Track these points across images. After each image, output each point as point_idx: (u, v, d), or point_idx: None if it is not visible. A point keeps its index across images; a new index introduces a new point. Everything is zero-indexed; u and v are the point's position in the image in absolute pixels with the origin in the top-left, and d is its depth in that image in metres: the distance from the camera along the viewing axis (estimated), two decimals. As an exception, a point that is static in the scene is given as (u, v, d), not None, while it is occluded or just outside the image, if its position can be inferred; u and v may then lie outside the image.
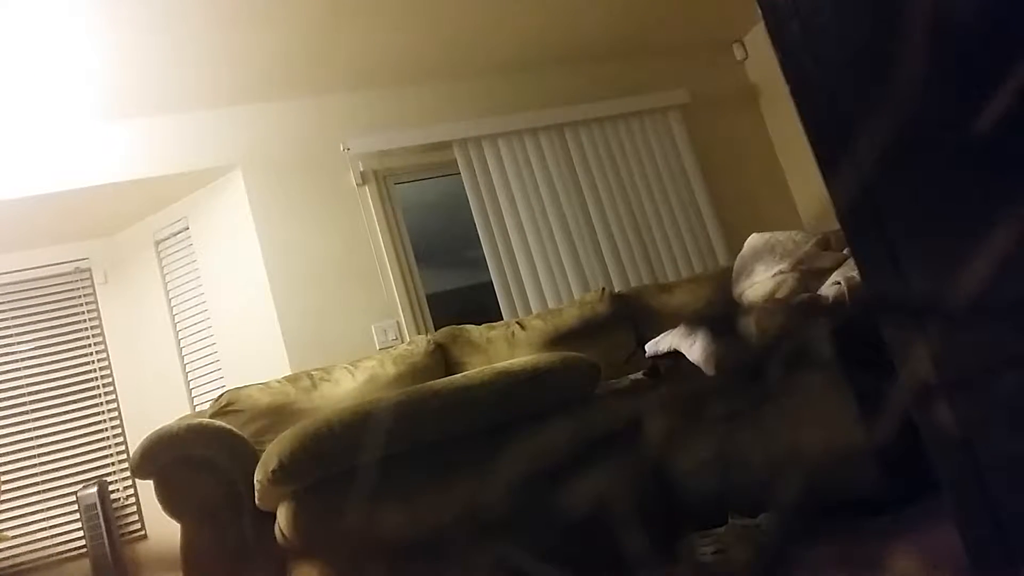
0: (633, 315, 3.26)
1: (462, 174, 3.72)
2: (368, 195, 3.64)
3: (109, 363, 3.67)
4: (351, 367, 2.86)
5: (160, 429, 2.10)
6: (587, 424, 2.12)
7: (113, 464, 3.56)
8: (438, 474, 1.90)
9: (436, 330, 3.29)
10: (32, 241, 3.62)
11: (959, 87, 0.69)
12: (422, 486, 1.88)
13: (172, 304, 3.71)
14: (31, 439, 3.48)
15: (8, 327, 3.58)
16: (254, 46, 3.19)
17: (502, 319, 3.50)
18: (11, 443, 3.46)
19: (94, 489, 3.31)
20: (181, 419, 2.30)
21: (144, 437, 2.09)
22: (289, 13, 3.03)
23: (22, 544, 3.36)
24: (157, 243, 3.75)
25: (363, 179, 3.65)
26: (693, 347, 2.25)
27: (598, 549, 1.95)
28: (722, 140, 4.30)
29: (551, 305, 3.59)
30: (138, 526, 3.53)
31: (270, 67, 3.37)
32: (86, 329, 3.68)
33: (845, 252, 2.58)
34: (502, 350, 3.02)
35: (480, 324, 3.22)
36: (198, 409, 3.44)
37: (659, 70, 4.27)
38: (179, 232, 3.71)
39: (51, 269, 3.68)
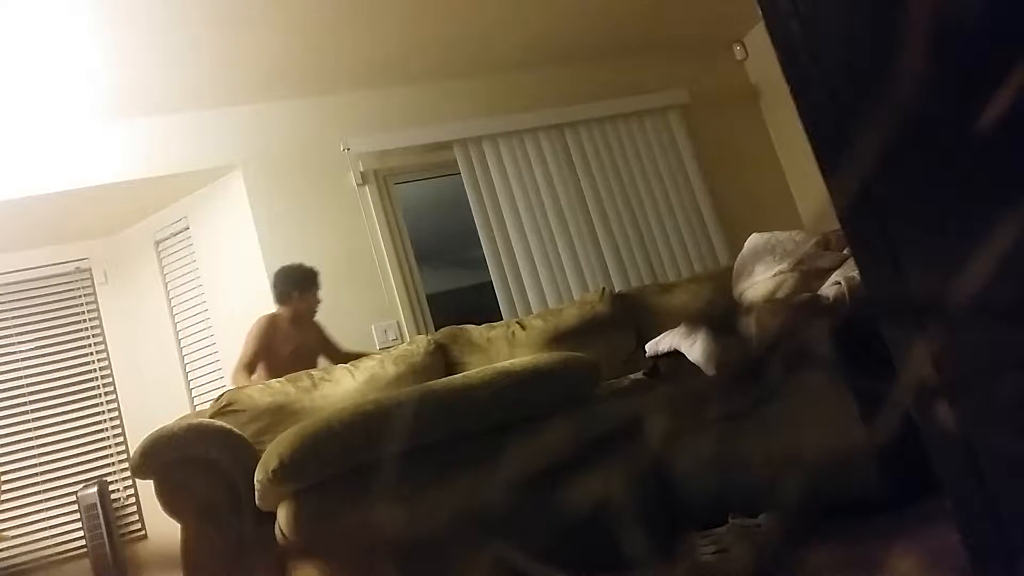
0: (633, 315, 3.26)
1: (462, 174, 3.72)
2: (368, 195, 3.64)
3: (109, 363, 3.67)
4: (351, 367, 2.86)
5: (160, 429, 2.10)
6: (587, 424, 2.12)
7: (113, 464, 3.56)
8: (438, 474, 1.90)
9: (436, 330, 3.29)
10: (32, 241, 3.62)
11: (959, 87, 0.69)
12: (422, 486, 1.88)
13: (172, 304, 3.71)
14: (31, 439, 3.49)
15: (8, 327, 3.58)
16: (254, 46, 3.19)
17: (502, 319, 3.50)
18: (11, 443, 3.46)
19: (94, 489, 3.32)
20: (181, 419, 2.30)
21: (144, 437, 2.09)
22: (289, 13, 3.03)
23: (22, 544, 3.36)
24: (157, 243, 3.75)
25: (363, 179, 3.65)
26: (693, 347, 2.25)
27: (598, 549, 1.95)
28: (722, 140, 4.30)
29: (551, 305, 3.59)
30: (138, 526, 3.53)
31: (270, 67, 3.37)
32: (86, 329, 3.68)
33: (845, 252, 2.57)
34: (502, 350, 3.02)
35: (480, 324, 3.21)
36: (198, 409, 3.44)
37: (659, 70, 4.27)
38: (179, 232, 3.71)
39: (51, 269, 3.68)
